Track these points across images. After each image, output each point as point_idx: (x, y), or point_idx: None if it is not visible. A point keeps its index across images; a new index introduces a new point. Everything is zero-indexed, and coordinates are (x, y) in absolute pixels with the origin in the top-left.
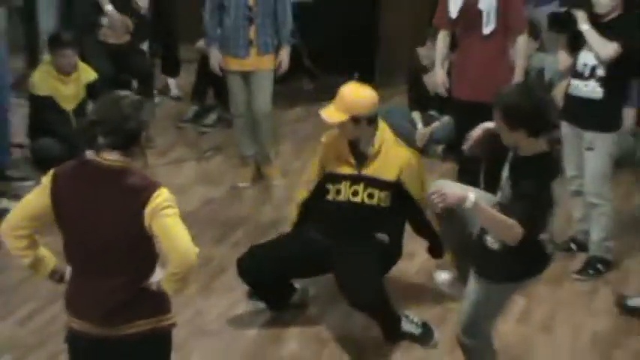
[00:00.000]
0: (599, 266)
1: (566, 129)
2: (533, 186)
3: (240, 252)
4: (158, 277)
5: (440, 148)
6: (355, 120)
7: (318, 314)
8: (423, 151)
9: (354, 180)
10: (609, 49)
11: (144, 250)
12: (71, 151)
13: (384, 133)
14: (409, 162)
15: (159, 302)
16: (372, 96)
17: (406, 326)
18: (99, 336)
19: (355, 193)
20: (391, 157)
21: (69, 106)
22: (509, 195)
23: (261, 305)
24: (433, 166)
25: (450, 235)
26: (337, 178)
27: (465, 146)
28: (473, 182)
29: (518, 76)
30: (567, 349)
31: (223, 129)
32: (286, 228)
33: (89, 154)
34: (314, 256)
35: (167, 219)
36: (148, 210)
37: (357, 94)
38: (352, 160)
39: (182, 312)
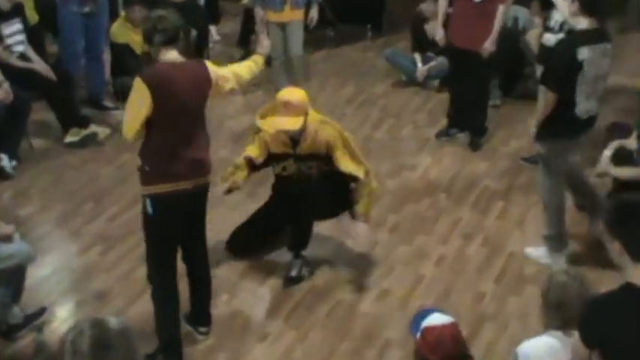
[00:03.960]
0: None
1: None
2: None
3: None
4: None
5: (436, 83)
6: (306, 116)
7: None
8: (422, 85)
9: (296, 158)
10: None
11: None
12: None
13: (311, 117)
14: (334, 137)
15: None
16: (304, 93)
17: None
18: (192, 188)
19: (298, 169)
20: (319, 135)
21: (141, 50)
22: None
23: None
24: (430, 96)
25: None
26: (281, 158)
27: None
28: None
29: (495, 33)
30: (534, 239)
31: (264, 69)
32: None
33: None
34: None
35: (222, 70)
36: (213, 77)
37: (300, 96)
38: (289, 144)
39: (235, 212)
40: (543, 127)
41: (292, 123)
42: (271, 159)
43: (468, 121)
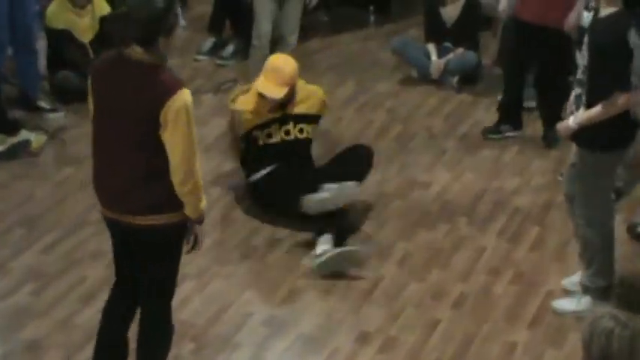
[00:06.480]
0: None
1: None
2: None
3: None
4: None
5: (455, 80)
6: (292, 87)
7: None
8: (438, 83)
9: (283, 121)
10: None
11: (156, 144)
12: None
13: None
14: (323, 96)
15: (170, 199)
16: (295, 62)
17: None
18: (116, 220)
19: (287, 133)
20: (310, 94)
21: (86, 38)
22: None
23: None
24: (448, 97)
25: None
26: (265, 124)
27: None
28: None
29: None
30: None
31: (240, 61)
32: None
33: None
34: None
35: (176, 129)
36: (165, 109)
37: (290, 65)
38: (276, 107)
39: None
40: (596, 134)
41: (277, 91)
42: (255, 129)
43: (519, 117)
